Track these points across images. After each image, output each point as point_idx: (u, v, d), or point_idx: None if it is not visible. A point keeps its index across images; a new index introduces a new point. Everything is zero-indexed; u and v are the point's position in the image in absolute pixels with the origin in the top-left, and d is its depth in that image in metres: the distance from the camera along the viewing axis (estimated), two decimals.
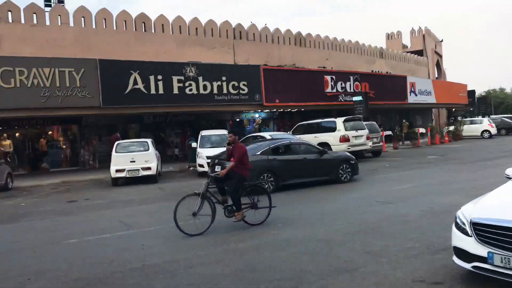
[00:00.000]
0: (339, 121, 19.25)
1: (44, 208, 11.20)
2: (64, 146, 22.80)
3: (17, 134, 22.20)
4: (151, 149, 15.43)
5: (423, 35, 46.14)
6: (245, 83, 21.85)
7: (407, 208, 8.53)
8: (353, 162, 12.96)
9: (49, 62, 17.43)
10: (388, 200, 9.48)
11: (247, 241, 6.71)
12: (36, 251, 6.91)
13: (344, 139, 18.51)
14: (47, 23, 20.49)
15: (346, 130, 18.83)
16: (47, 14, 20.72)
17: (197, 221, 7.24)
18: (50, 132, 22.99)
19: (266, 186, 11.28)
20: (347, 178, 12.69)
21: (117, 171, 14.73)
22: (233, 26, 25.87)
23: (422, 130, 31.22)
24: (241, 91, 21.75)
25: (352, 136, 18.75)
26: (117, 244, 7.05)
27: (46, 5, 23.51)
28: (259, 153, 11.76)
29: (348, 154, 13.58)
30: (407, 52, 44.51)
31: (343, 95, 26.25)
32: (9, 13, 19.55)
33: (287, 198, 10.53)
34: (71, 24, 20.99)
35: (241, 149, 7.76)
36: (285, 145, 12.45)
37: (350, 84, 26.69)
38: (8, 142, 21.16)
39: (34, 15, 20.18)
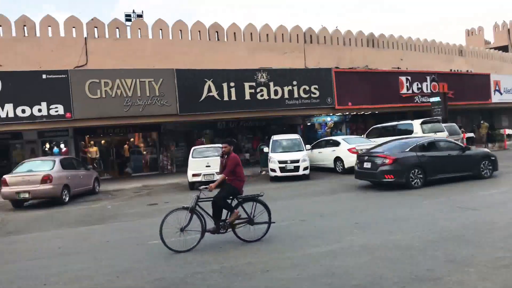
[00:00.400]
0: (416, 123, 18.46)
1: (128, 210, 11.92)
2: (144, 152, 24.14)
3: (102, 141, 23.86)
4: None
5: (508, 30, 42.88)
6: (316, 86, 21.72)
7: (495, 216, 7.97)
8: (493, 158, 13.19)
9: (131, 73, 18.62)
10: (476, 207, 8.92)
11: (322, 247, 6.65)
12: (123, 251, 7.37)
13: None
14: (129, 36, 21.87)
15: (424, 132, 18.00)
16: (128, 28, 22.11)
17: (185, 237, 6.87)
18: (132, 139, 24.45)
19: (415, 181, 11.85)
20: (488, 174, 12.93)
21: (193, 175, 15.30)
22: (304, 30, 25.85)
23: (509, 131, 28.94)
24: (312, 95, 21.64)
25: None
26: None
27: (126, 20, 25.13)
28: (408, 149, 12.30)
29: (488, 150, 13.99)
30: (490, 48, 41.61)
31: (420, 96, 25.14)
32: (95, 29, 21.14)
33: (416, 194, 10.29)
34: (150, 36, 22.21)
35: (234, 160, 7.33)
36: (430, 142, 12.84)
37: (426, 85, 25.49)
38: (94, 149, 22.80)
39: (117, 30, 21.64)
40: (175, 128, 23.55)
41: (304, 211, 9.84)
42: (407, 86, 24.77)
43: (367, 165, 12.55)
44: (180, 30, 22.75)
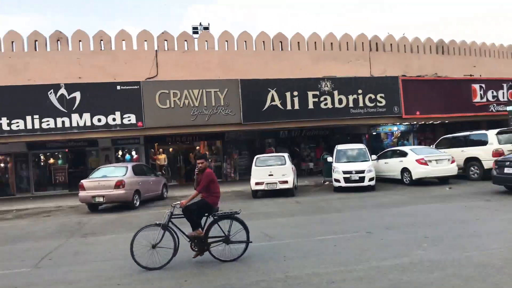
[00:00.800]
0: (491, 133, 17.36)
1: None
2: (209, 160, 24.76)
3: (170, 149, 24.84)
4: (288, 163, 15.85)
5: None
6: (382, 95, 21.18)
7: None
8: None
9: (197, 84, 19.32)
10: None
11: (389, 260, 6.45)
12: (186, 256, 7.59)
13: (498, 154, 16.60)
14: (196, 48, 22.66)
15: (499, 143, 16.89)
16: (195, 41, 22.93)
17: (157, 254, 6.75)
18: (197, 147, 25.21)
19: None
20: None
21: (256, 183, 15.47)
22: (369, 38, 25.35)
23: None
24: (378, 104, 21.12)
25: (508, 150, 16.72)
26: (260, 253, 7.37)
27: (194, 32, 26.06)
28: None
29: None
30: None
31: (495, 104, 23.63)
32: (165, 42, 22.15)
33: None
34: (216, 48, 22.87)
35: (208, 177, 7.12)
36: None
37: (503, 93, 23.93)
38: (163, 156, 23.78)
39: (185, 42, 22.51)
40: (238, 136, 23.99)
41: (370, 223, 9.60)
42: (480, 94, 23.41)
43: (508, 170, 12.45)
44: (245, 41, 23.21)
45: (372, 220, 9.98)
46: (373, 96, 21.05)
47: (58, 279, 6.63)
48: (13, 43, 20.27)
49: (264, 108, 19.77)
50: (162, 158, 23.61)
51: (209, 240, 7.00)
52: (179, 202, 7.06)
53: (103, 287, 6.10)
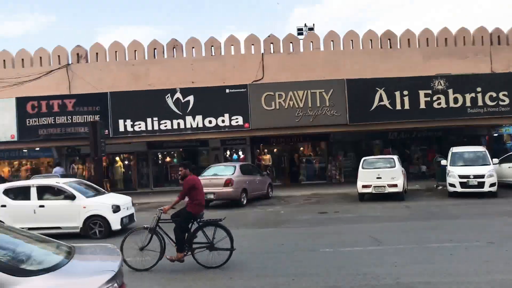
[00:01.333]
0: None
1: (300, 217, 12.38)
2: (313, 161, 24.75)
3: (275, 150, 25.30)
4: (398, 165, 15.16)
5: None
6: (505, 93, 19.19)
7: None
8: None
9: (302, 85, 19.40)
10: None
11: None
12: (296, 255, 7.69)
13: None
14: (301, 50, 22.77)
15: None
16: (301, 42, 23.04)
17: (144, 257, 6.98)
18: (301, 148, 25.32)
19: None
20: None
21: (363, 186, 15.04)
22: (490, 31, 23.16)
23: None
24: (500, 103, 19.19)
25: None
26: (368, 258, 7.19)
27: (298, 34, 26.26)
28: None
29: None
30: None
31: None
32: (271, 45, 22.61)
33: None
34: (321, 48, 22.73)
35: (187, 184, 7.09)
36: None
37: None
38: (268, 156, 24.31)
39: (291, 44, 22.74)
40: (343, 138, 23.54)
41: (491, 233, 8.78)
42: None
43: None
44: (351, 40, 22.70)
45: (494, 229, 9.13)
46: (494, 95, 19.18)
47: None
48: (136, 51, 22.30)
49: (372, 108, 19.15)
50: (267, 159, 24.14)
51: (194, 246, 7.08)
52: (162, 207, 7.24)
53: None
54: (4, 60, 21.63)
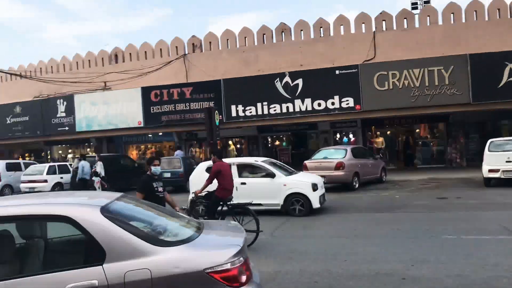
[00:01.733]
0: None
1: (417, 202, 11.75)
2: (431, 144, 23.24)
3: (388, 132, 24.24)
4: None
5: None
6: None
7: None
8: None
9: (418, 63, 18.23)
10: None
11: None
12: (414, 241, 7.33)
13: None
14: (416, 25, 21.28)
15: None
16: (416, 17, 21.53)
17: None
18: (417, 130, 23.90)
19: None
20: None
21: (490, 171, 13.69)
22: None
23: None
24: None
25: None
26: (498, 247, 6.58)
27: (413, 8, 24.55)
28: None
29: None
30: None
31: None
32: (383, 22, 21.49)
33: None
34: (440, 22, 20.99)
35: (214, 168, 7.85)
36: None
37: None
38: (380, 139, 23.38)
39: (405, 20, 21.36)
40: (465, 118, 21.61)
41: None
42: None
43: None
44: (475, 11, 20.56)
45: None
46: None
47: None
48: (246, 38, 22.87)
49: (500, 85, 17.28)
50: (379, 141, 23.24)
51: None
52: (194, 191, 8.09)
53: None
54: (130, 53, 23.77)
